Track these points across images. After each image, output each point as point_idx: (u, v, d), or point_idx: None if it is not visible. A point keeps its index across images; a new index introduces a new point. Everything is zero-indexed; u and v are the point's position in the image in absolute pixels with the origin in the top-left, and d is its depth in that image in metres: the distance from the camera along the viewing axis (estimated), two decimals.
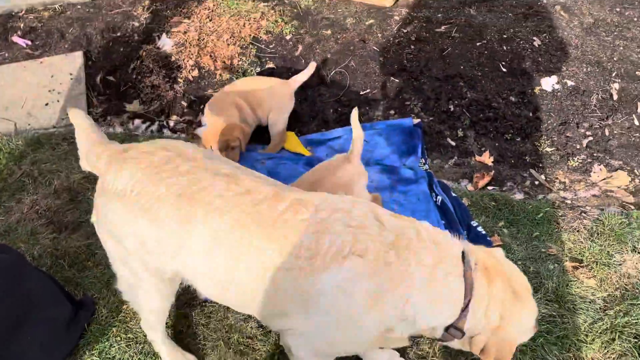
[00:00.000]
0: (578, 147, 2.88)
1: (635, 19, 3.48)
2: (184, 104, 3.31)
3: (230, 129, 2.66)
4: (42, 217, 2.53)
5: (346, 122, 3.10)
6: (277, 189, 1.56)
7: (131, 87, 3.38)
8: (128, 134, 3.07)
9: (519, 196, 2.67)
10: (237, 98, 2.80)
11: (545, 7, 3.63)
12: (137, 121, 3.22)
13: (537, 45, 3.34)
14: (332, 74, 3.35)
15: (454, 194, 2.62)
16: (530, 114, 3.02)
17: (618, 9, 3.57)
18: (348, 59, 3.43)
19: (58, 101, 3.19)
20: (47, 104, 3.18)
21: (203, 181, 1.54)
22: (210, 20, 3.75)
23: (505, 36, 3.43)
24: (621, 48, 3.28)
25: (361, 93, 3.26)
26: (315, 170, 2.29)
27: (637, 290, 2.15)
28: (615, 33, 3.39)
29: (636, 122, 2.91)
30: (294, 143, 3.01)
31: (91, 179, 2.74)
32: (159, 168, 1.58)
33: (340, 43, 3.57)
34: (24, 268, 1.95)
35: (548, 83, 3.13)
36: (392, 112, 3.15)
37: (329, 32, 3.67)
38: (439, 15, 3.68)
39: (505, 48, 3.36)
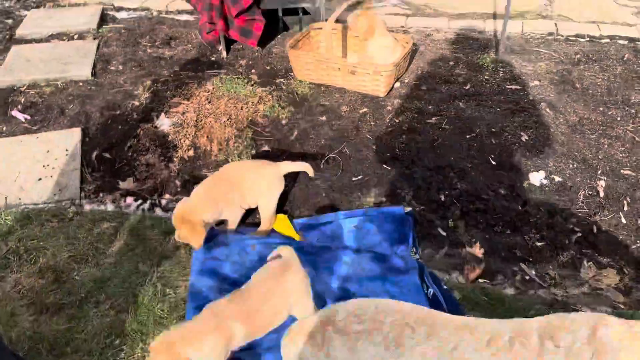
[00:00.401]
0: (567, 242, 2.91)
1: (619, 119, 3.63)
2: (178, 183, 3.33)
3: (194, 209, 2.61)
4: (24, 298, 2.46)
5: (338, 208, 3.13)
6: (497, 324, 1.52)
7: (126, 165, 3.41)
8: (119, 212, 3.06)
9: (510, 291, 2.66)
10: (228, 183, 2.81)
11: (532, 103, 3.79)
12: (129, 199, 3.22)
13: (524, 140, 3.46)
14: (325, 159, 3.42)
15: (445, 287, 2.61)
16: (519, 207, 3.07)
17: (601, 109, 3.74)
18: (342, 145, 3.52)
19: (51, 176, 3.20)
20: (40, 179, 3.19)
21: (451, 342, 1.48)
22: (209, 102, 3.86)
23: (494, 130, 3.55)
24: (606, 146, 3.40)
25: (354, 179, 3.31)
26: (260, 279, 2.26)
27: None
28: (599, 131, 3.53)
29: (623, 220, 2.96)
30: (285, 226, 3.01)
31: (77, 259, 2.70)
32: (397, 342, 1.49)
33: (334, 129, 3.67)
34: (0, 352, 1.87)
35: (536, 178, 3.21)
36: (383, 199, 3.18)
37: (324, 118, 3.78)
38: (430, 107, 3.82)
39: (494, 141, 3.47)
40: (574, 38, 4.75)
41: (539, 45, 4.63)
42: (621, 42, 4.63)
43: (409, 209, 3.07)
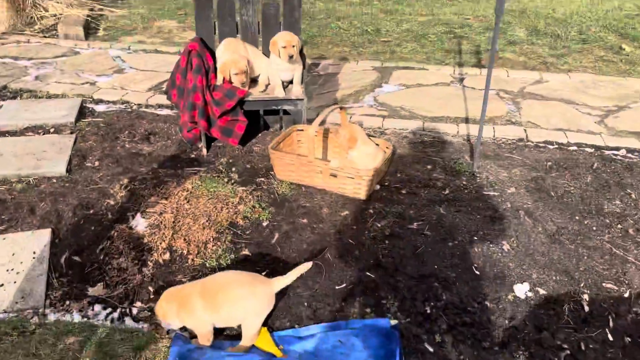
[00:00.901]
0: (555, 359, 2.82)
1: (594, 229, 3.70)
2: (151, 289, 3.16)
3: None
4: None
5: (321, 319, 2.99)
6: None
7: (97, 269, 3.23)
8: (87, 324, 2.85)
9: None
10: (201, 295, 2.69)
11: (510, 211, 3.85)
12: (97, 307, 3.02)
13: (506, 250, 3.46)
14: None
15: None
16: (507, 322, 3.00)
17: (577, 217, 3.81)
18: (324, 250, 3.45)
19: (15, 282, 3.00)
20: (1, 285, 2.98)
21: None
22: (188, 202, 3.78)
23: (475, 238, 3.56)
24: (585, 257, 3.43)
25: (337, 287, 3.21)
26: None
27: None
28: (577, 241, 3.57)
29: (610, 337, 2.91)
30: (265, 340, 2.85)
31: None
32: None
33: (316, 233, 3.61)
34: None
35: (521, 290, 3.17)
36: (368, 309, 3.08)
37: (305, 220, 3.73)
38: (411, 211, 3.83)
39: (476, 250, 3.46)
40: (543, 145, 4.94)
41: (511, 151, 4.79)
42: (588, 149, 4.84)
43: (394, 321, 2.97)
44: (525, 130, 5.25)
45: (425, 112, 5.71)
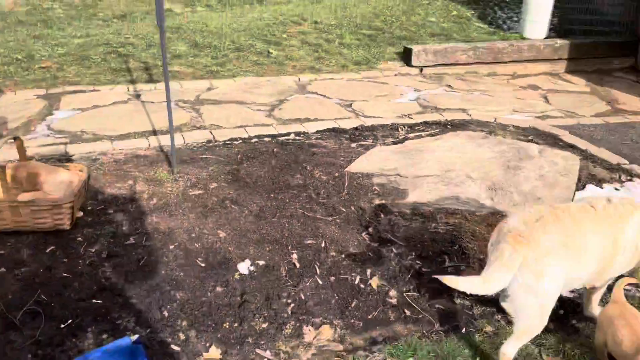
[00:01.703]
0: (285, 315, 3.25)
1: (287, 201, 4.32)
2: None
3: None
4: None
5: None
6: None
7: None
8: None
9: None
10: None
11: (218, 203, 4.16)
12: None
13: (223, 237, 3.75)
14: (22, 311, 2.95)
15: None
16: (239, 298, 3.29)
17: (273, 195, 4.38)
18: (36, 294, 3.10)
19: None
20: None
21: None
22: None
23: (193, 235, 3.73)
24: (287, 225, 3.99)
25: (63, 326, 2.95)
26: None
27: None
28: (278, 214, 4.12)
29: (319, 281, 3.50)
30: None
31: None
32: None
33: (21, 279, 3.21)
34: None
35: (244, 267, 3.51)
36: (105, 335, 2.94)
37: (2, 269, 3.27)
38: (124, 228, 3.77)
39: (197, 245, 3.65)
40: (230, 142, 5.45)
41: (204, 152, 5.13)
42: (266, 139, 5.56)
43: (134, 336, 2.92)
44: (211, 132, 5.67)
45: (111, 131, 5.58)
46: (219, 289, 3.34)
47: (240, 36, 9.32)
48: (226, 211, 4.06)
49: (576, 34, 9.45)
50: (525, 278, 2.63)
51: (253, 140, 5.51)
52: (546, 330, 3.16)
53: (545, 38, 9.32)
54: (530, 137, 5.97)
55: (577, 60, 9.10)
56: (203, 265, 3.50)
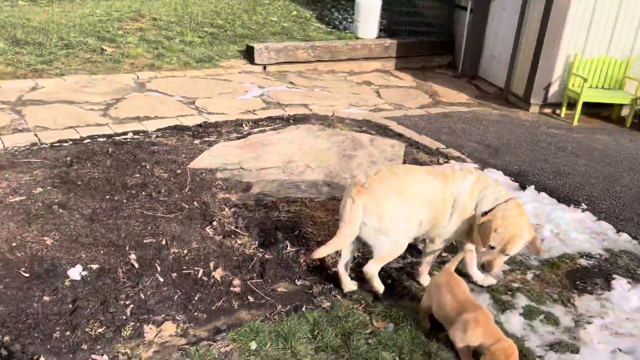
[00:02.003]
0: (124, 317, 3.13)
1: (125, 201, 4.14)
2: None
3: None
4: None
5: None
6: None
7: None
8: None
9: None
10: None
11: (43, 208, 3.84)
12: None
13: (50, 244, 3.48)
14: None
15: None
16: (70, 306, 3.09)
17: (108, 197, 4.16)
18: None
19: None
20: None
21: None
22: None
23: (13, 244, 3.41)
24: (124, 226, 3.83)
25: None
26: None
27: None
28: (114, 216, 3.93)
29: (160, 279, 3.43)
30: None
31: None
32: None
33: None
34: None
35: (75, 272, 3.30)
36: None
37: None
38: None
39: (18, 255, 3.34)
40: (58, 144, 5.06)
41: (27, 156, 4.70)
42: (100, 139, 5.26)
43: None
44: (35, 134, 5.21)
45: None
46: (46, 298, 3.10)
47: (70, 32, 8.67)
48: (53, 216, 3.78)
49: (403, 34, 10.35)
50: (370, 221, 3.25)
51: (86, 141, 5.18)
52: (375, 298, 3.48)
53: (376, 38, 10.06)
54: (364, 128, 6.44)
55: (404, 58, 9.98)
56: (27, 275, 3.22)
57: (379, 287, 3.50)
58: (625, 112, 7.97)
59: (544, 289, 3.72)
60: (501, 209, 3.17)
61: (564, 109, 7.95)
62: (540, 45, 7.72)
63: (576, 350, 3.10)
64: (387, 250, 3.36)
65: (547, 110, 8.13)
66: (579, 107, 7.54)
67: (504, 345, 2.75)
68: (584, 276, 3.88)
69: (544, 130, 7.23)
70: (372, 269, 3.44)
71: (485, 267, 3.22)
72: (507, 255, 3.19)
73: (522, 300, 3.54)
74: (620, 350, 3.11)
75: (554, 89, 7.92)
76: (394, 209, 3.24)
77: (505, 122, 7.42)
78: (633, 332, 3.29)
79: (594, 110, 8.07)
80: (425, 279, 3.65)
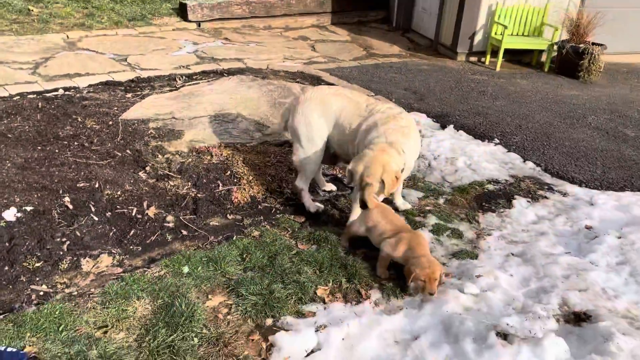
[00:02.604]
0: (61, 253, 3.31)
1: (57, 151, 4.24)
2: None
3: None
4: None
5: None
6: None
7: None
8: None
9: (31, 309, 2.85)
10: None
11: None
12: None
13: None
14: None
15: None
16: (7, 244, 3.24)
17: (40, 147, 4.25)
18: None
19: None
20: None
21: None
22: None
23: None
24: (57, 172, 3.96)
25: None
26: None
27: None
28: (46, 164, 4.05)
29: (96, 218, 3.61)
30: None
31: None
32: None
33: None
34: None
35: (10, 214, 3.43)
36: None
37: None
38: None
39: None
40: None
41: None
42: (30, 96, 5.27)
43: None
44: None
45: None
46: None
47: None
48: None
49: None
50: (292, 121, 3.83)
51: (15, 99, 5.17)
52: (301, 226, 3.80)
53: None
54: (297, 80, 6.65)
55: (340, 13, 10.16)
56: None
57: (308, 204, 3.96)
58: (544, 58, 8.49)
59: (453, 210, 4.13)
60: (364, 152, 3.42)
61: (488, 56, 8.40)
62: None
63: (475, 257, 3.53)
64: (300, 156, 3.88)
65: (473, 59, 8.56)
66: (501, 54, 8.00)
67: (427, 269, 2.98)
68: (489, 198, 4.32)
69: (468, 76, 7.66)
70: (299, 183, 3.95)
71: (360, 205, 3.47)
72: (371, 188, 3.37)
73: (432, 220, 3.94)
74: (512, 254, 3.55)
75: (478, 37, 8.33)
76: (315, 114, 3.77)
77: (433, 71, 7.79)
78: (526, 239, 3.74)
79: (515, 57, 8.56)
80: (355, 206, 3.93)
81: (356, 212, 3.79)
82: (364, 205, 3.44)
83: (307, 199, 3.98)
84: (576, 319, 2.87)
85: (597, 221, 3.94)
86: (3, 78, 5.70)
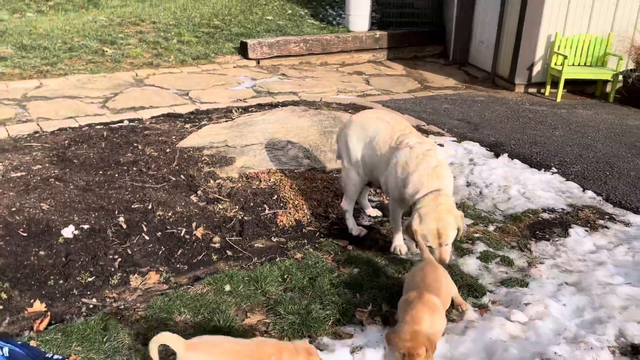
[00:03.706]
0: (112, 269, 3.46)
1: (117, 175, 4.50)
2: None
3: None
4: None
5: None
6: None
7: None
8: None
9: (80, 320, 2.98)
10: None
11: (41, 182, 4.20)
12: None
13: (45, 208, 3.84)
14: None
15: (19, 342, 2.69)
16: (64, 259, 3.43)
17: (101, 172, 4.52)
18: None
19: None
20: None
21: None
22: None
23: (14, 209, 3.78)
24: (114, 195, 4.18)
25: None
26: None
27: None
28: (105, 187, 4.29)
29: (147, 238, 3.76)
30: None
31: None
32: None
33: None
34: None
35: (68, 232, 3.64)
36: None
37: None
38: None
39: (17, 218, 3.70)
40: (58, 131, 5.45)
41: (29, 141, 5.09)
42: (98, 127, 5.64)
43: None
44: (38, 124, 5.61)
45: None
46: (42, 252, 3.45)
47: (74, 37, 9.12)
48: (50, 187, 4.14)
49: (394, 26, 10.65)
50: (337, 143, 4.10)
51: (84, 129, 5.55)
52: (344, 249, 3.78)
53: (367, 30, 10.38)
54: (349, 111, 6.73)
55: (396, 49, 10.27)
56: (25, 234, 3.57)
57: (351, 226, 3.98)
58: (608, 88, 8.16)
59: (504, 238, 3.98)
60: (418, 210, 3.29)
61: (547, 87, 8.18)
62: (522, 26, 7.97)
63: (525, 285, 3.36)
64: (343, 181, 4.05)
65: (532, 90, 8.36)
66: (561, 84, 7.77)
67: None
68: (544, 227, 4.13)
69: (526, 107, 7.47)
70: (344, 205, 4.04)
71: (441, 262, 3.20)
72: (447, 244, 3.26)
73: (480, 247, 3.80)
74: (566, 283, 3.35)
75: (537, 68, 8.15)
76: (354, 139, 3.87)
77: (489, 102, 7.67)
78: (582, 269, 3.53)
79: (578, 88, 8.28)
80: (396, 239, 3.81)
81: (398, 237, 3.76)
82: (443, 263, 3.18)
83: (350, 221, 3.98)
84: (634, 351, 2.65)
85: None
86: (75, 111, 6.15)
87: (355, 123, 3.87)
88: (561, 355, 2.57)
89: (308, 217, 4.21)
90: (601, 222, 4.20)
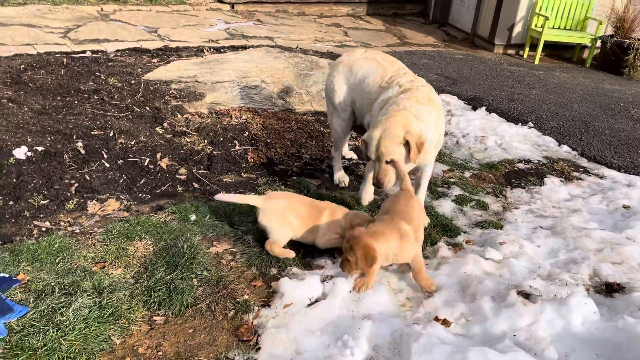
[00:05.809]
0: (68, 194, 3.23)
1: (76, 102, 4.20)
2: None
3: None
4: None
5: None
6: None
7: None
8: None
9: (30, 241, 2.76)
10: None
11: None
12: None
13: None
14: None
15: None
16: (14, 180, 3.17)
17: (59, 98, 4.21)
18: None
19: None
20: None
21: None
22: None
23: None
24: (73, 120, 3.90)
25: None
26: None
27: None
28: (63, 112, 4.00)
29: (107, 165, 3.52)
30: None
31: None
32: None
33: None
34: None
35: (20, 152, 3.37)
36: None
37: None
38: None
39: None
40: (14, 56, 5.06)
41: None
42: (58, 55, 5.27)
43: None
44: None
45: None
46: None
47: None
48: (1, 108, 3.82)
49: None
50: (325, 86, 3.68)
51: (43, 56, 5.18)
52: (317, 188, 3.62)
53: None
54: (327, 58, 6.51)
55: (375, 4, 10.00)
56: None
57: (335, 172, 3.76)
58: (586, 54, 8.13)
59: (479, 184, 3.89)
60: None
61: (526, 49, 8.09)
62: None
63: (500, 227, 3.29)
64: (329, 118, 3.76)
65: (511, 52, 8.27)
66: (541, 46, 7.69)
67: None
68: (519, 176, 4.07)
69: (504, 67, 7.38)
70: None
71: (375, 183, 2.96)
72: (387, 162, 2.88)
73: (456, 191, 3.71)
74: (541, 227, 3.30)
75: (517, 29, 8.04)
76: (341, 78, 3.54)
77: (468, 60, 7.54)
78: (556, 215, 3.48)
79: (556, 52, 8.23)
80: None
81: (368, 186, 3.42)
82: (379, 185, 2.91)
83: (335, 167, 3.76)
84: (608, 290, 2.61)
85: (637, 201, 3.64)
86: (33, 38, 5.74)
87: (343, 64, 3.50)
88: (537, 288, 2.51)
89: (280, 155, 4.03)
90: (576, 174, 4.17)
